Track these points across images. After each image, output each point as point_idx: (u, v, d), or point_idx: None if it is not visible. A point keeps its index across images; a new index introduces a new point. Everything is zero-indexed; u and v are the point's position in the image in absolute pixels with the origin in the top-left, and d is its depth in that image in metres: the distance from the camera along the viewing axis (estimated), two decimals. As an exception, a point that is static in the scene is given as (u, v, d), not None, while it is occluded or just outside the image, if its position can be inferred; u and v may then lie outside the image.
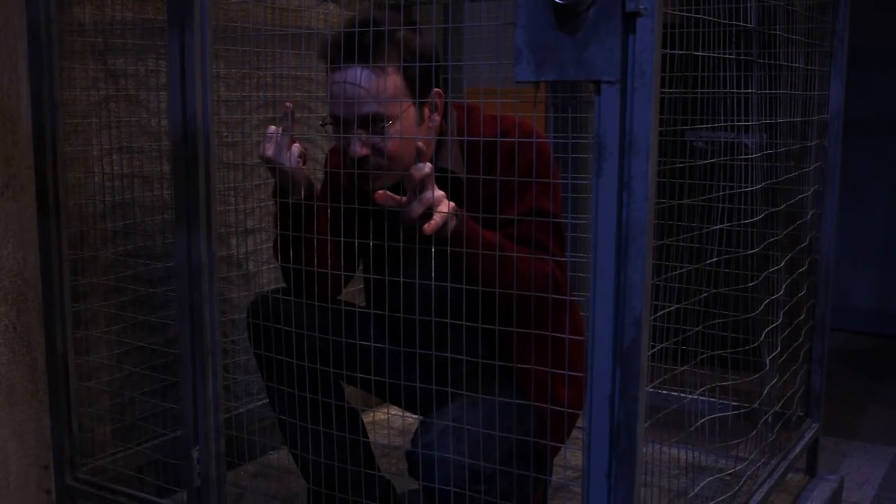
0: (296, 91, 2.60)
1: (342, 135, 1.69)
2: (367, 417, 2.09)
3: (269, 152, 1.69)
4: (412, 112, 1.69)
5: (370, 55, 1.62)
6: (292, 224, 1.74)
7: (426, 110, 1.72)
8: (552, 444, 1.78)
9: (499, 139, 1.65)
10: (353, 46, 1.63)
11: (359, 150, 1.67)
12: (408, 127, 1.68)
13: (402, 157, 1.67)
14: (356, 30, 1.64)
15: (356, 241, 1.79)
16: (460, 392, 1.65)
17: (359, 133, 1.67)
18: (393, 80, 1.66)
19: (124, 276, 2.21)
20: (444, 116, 1.77)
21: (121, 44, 2.16)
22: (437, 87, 1.72)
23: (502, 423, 1.60)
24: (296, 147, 1.70)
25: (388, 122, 1.66)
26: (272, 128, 1.70)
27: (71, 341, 2.06)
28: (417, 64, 1.66)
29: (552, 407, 1.72)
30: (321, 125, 1.83)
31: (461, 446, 1.56)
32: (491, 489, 1.59)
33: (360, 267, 1.96)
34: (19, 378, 2.02)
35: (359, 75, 1.64)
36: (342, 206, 1.75)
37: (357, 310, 1.93)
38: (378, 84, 1.64)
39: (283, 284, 1.90)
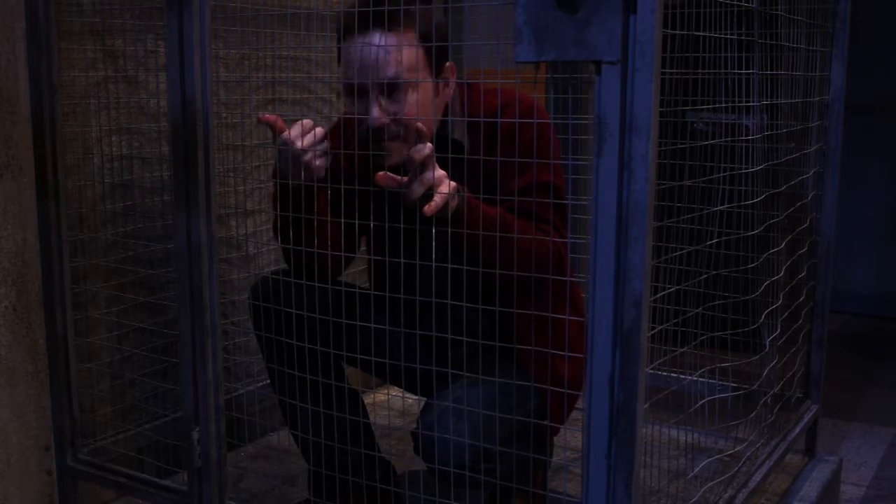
0: (295, 72, 2.59)
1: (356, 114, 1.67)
2: (367, 399, 2.10)
3: (299, 143, 1.66)
4: (429, 83, 1.69)
5: (389, 24, 1.61)
6: (292, 205, 1.73)
7: (440, 84, 1.72)
8: (553, 424, 1.79)
9: (499, 119, 1.65)
10: (372, 15, 1.62)
11: (378, 116, 1.66)
12: (425, 97, 1.68)
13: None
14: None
15: (357, 222, 1.79)
16: (462, 372, 1.65)
17: (378, 102, 1.65)
18: (412, 50, 1.66)
19: (124, 257, 2.21)
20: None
21: (119, 24, 2.15)
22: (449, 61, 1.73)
23: (505, 403, 1.60)
24: (322, 142, 1.69)
25: (408, 88, 1.65)
26: (308, 121, 1.68)
27: (71, 323, 2.06)
28: (434, 39, 1.66)
29: (553, 388, 1.73)
30: (338, 96, 1.82)
31: (465, 426, 1.56)
32: (495, 469, 1.59)
33: (363, 248, 1.96)
34: (20, 359, 2.03)
35: (378, 41, 1.64)
36: (342, 186, 1.75)
37: (357, 291, 1.93)
38: (398, 51, 1.63)
39: (284, 265, 1.90)
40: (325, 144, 1.69)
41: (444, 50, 1.70)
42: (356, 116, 1.69)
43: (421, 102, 1.67)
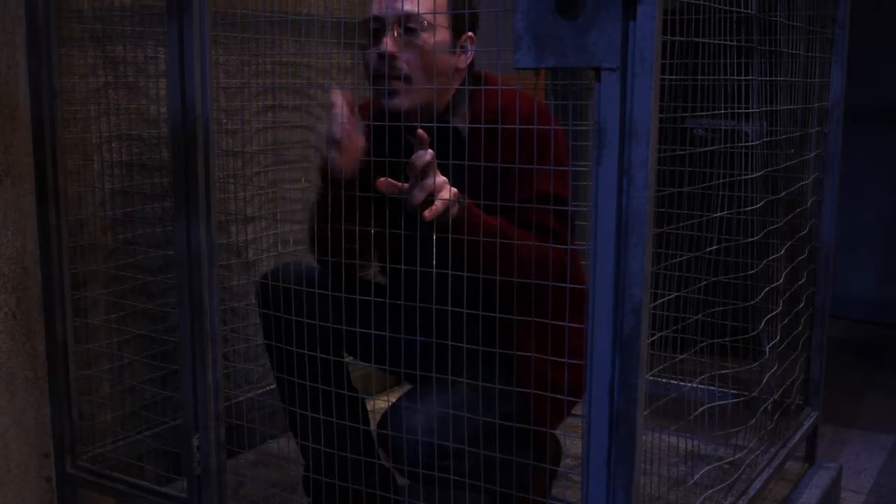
0: (295, 78, 2.59)
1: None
2: (367, 405, 2.09)
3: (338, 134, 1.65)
4: (446, 35, 1.71)
5: None
6: (335, 195, 1.73)
7: (457, 48, 1.74)
8: (536, 428, 1.78)
9: (499, 125, 1.65)
10: None
11: (389, 45, 1.68)
12: (440, 46, 1.71)
13: (428, 71, 1.69)
14: None
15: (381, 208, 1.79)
16: (451, 377, 1.66)
17: (395, 33, 1.69)
18: None
19: (124, 263, 2.21)
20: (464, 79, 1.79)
21: (120, 30, 2.15)
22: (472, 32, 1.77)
23: (478, 404, 1.61)
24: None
25: (424, 27, 1.68)
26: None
27: (71, 329, 2.06)
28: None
29: (543, 393, 1.72)
30: (358, 24, 1.83)
31: (427, 423, 1.58)
32: (458, 466, 1.60)
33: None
34: (19, 366, 2.02)
35: None
36: (343, 193, 1.74)
37: (358, 297, 1.93)
38: None
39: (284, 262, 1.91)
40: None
41: (469, 20, 1.74)
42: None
43: (435, 53, 1.69)
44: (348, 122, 1.65)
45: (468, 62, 1.79)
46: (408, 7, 1.68)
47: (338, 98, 1.66)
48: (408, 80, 1.70)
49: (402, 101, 1.72)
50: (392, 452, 1.65)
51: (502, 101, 1.72)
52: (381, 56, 1.69)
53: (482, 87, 1.79)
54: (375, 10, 1.72)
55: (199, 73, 1.67)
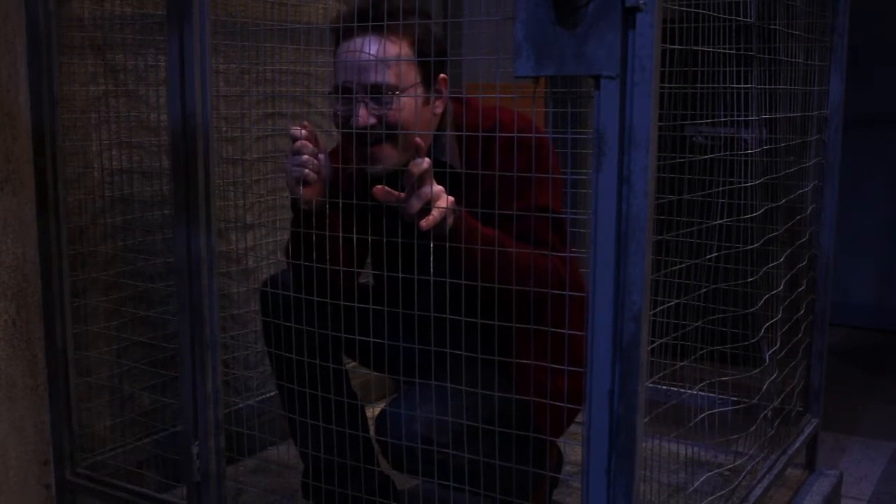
0: (294, 86, 2.60)
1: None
2: (367, 412, 2.09)
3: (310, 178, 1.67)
4: (420, 89, 1.68)
5: (384, 26, 1.62)
6: (304, 225, 1.72)
7: (432, 96, 1.72)
8: (534, 435, 1.78)
9: (497, 133, 1.65)
10: (368, 16, 1.62)
11: (365, 118, 1.65)
12: (413, 103, 1.67)
13: (410, 130, 1.66)
14: (370, 4, 1.63)
15: (357, 240, 1.78)
16: (447, 381, 1.66)
17: (365, 103, 1.65)
18: (405, 52, 1.66)
19: (124, 271, 2.21)
20: (444, 110, 1.77)
21: (120, 39, 2.16)
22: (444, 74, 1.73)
23: (478, 411, 1.61)
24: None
25: (396, 91, 1.64)
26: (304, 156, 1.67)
27: (70, 336, 2.06)
28: (431, 49, 1.66)
29: (542, 400, 1.72)
30: (328, 93, 1.80)
31: (424, 429, 1.61)
32: (458, 473, 1.60)
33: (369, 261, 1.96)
34: (19, 373, 2.02)
35: (371, 44, 1.64)
36: (340, 200, 1.75)
37: (357, 305, 1.93)
38: (390, 54, 1.64)
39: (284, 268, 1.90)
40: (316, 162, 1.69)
41: (438, 62, 1.70)
42: (346, 117, 1.68)
43: (411, 109, 1.66)
44: (313, 157, 1.67)
45: (444, 105, 1.76)
46: (379, 77, 1.63)
47: (299, 134, 1.67)
48: (384, 141, 1.67)
49: (386, 167, 1.69)
50: (391, 458, 1.66)
51: (488, 123, 1.71)
52: (358, 126, 1.65)
53: (479, 96, 1.79)
54: (343, 77, 1.67)
55: (200, 81, 1.67)
